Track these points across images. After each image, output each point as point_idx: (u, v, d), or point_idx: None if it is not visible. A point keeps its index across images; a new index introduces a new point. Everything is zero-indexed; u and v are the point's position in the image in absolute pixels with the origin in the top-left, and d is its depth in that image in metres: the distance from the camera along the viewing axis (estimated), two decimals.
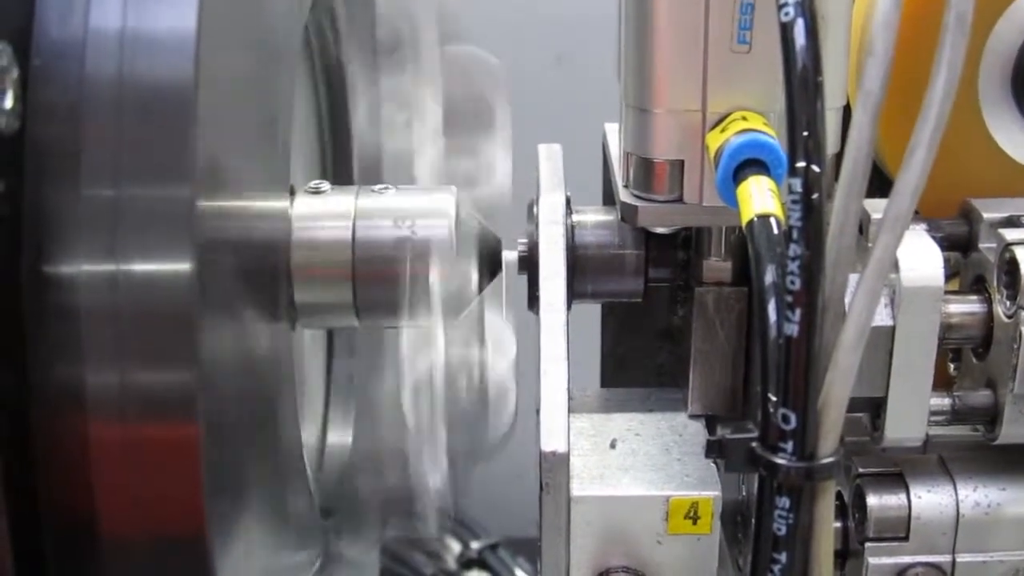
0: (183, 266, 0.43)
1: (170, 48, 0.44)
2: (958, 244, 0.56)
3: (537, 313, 0.55)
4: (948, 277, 0.52)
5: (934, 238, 0.53)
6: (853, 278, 0.46)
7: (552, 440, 0.50)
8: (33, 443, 0.44)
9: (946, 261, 0.52)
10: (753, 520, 0.47)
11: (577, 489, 0.52)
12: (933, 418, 0.54)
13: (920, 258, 0.52)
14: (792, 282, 0.43)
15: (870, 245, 0.46)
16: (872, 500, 0.56)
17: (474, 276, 0.61)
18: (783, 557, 0.45)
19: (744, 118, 0.49)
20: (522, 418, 0.86)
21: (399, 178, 0.77)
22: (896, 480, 0.56)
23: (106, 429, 0.44)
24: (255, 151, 0.53)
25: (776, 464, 0.44)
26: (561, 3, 1.26)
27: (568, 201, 0.58)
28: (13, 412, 0.43)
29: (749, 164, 0.47)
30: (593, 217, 0.59)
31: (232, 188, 0.49)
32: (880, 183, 0.49)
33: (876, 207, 0.51)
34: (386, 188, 0.61)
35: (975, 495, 0.56)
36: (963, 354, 0.56)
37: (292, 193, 0.59)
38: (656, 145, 0.52)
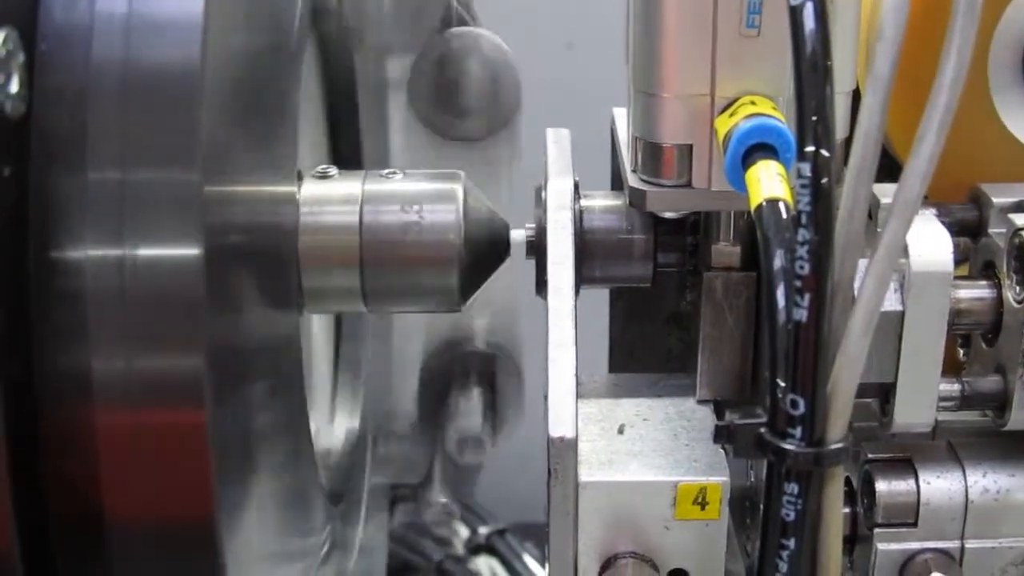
0: (190, 251, 0.43)
1: (176, 33, 0.44)
2: (968, 229, 0.55)
3: (545, 298, 0.55)
4: (957, 262, 0.52)
5: (943, 223, 0.53)
6: (862, 263, 0.46)
7: (560, 426, 0.50)
8: (39, 429, 0.44)
9: (955, 246, 0.52)
10: (761, 506, 0.47)
11: (585, 475, 0.52)
12: (942, 404, 0.54)
13: (929, 243, 0.52)
14: (801, 267, 0.43)
15: (879, 230, 0.46)
16: (881, 486, 0.55)
17: (482, 261, 0.61)
18: (791, 543, 0.45)
19: (753, 102, 0.49)
20: (530, 404, 0.86)
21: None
22: (905, 466, 0.56)
23: (113, 415, 0.44)
24: (262, 135, 0.53)
25: (785, 450, 0.44)
26: None
27: (576, 186, 0.58)
28: (20, 398, 0.43)
29: (758, 149, 0.47)
30: (601, 202, 0.59)
31: (239, 173, 0.49)
32: (890, 168, 0.49)
33: (885, 192, 0.51)
34: (394, 173, 0.61)
35: (984, 481, 0.55)
36: (972, 340, 0.56)
37: (299, 178, 0.59)
38: (665, 130, 0.52)
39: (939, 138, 0.44)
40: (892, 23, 0.44)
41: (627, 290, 0.65)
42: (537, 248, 0.58)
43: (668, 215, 0.57)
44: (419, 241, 0.59)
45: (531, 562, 1.20)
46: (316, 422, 0.73)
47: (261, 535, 0.52)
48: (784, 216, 0.44)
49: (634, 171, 0.54)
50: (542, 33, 1.22)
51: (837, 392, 0.45)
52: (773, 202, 0.45)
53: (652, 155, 0.52)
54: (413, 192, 0.60)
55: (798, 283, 0.43)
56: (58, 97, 0.44)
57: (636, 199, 0.54)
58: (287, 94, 0.57)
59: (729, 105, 0.50)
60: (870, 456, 0.56)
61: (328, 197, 0.59)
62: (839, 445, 0.45)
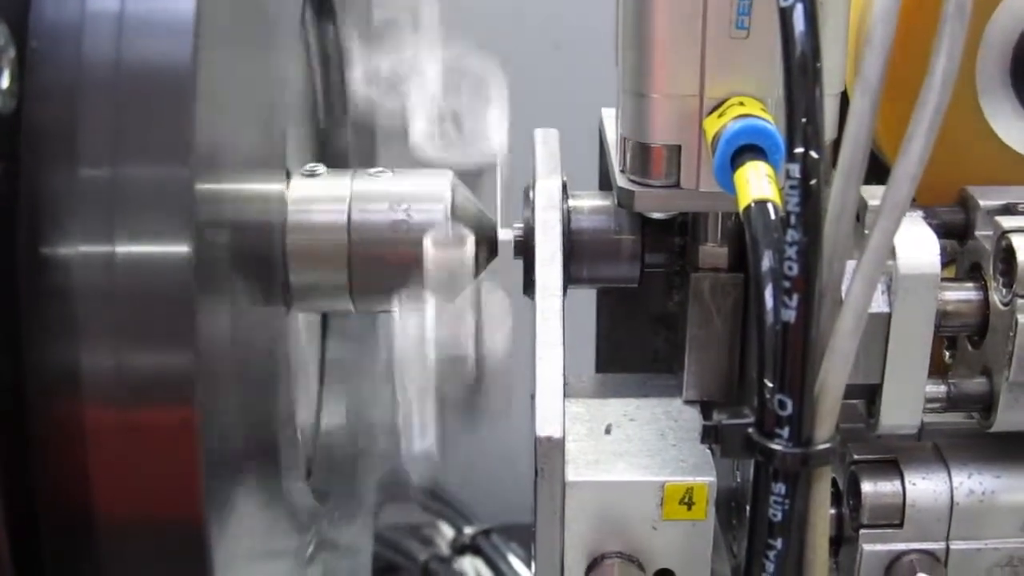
0: (181, 248, 0.43)
1: (168, 30, 0.44)
2: (955, 232, 0.55)
3: (533, 298, 0.55)
4: (944, 264, 0.52)
5: (931, 225, 0.53)
6: (850, 265, 0.46)
7: (547, 425, 0.50)
8: (28, 426, 0.44)
9: (943, 248, 0.52)
10: (748, 506, 0.47)
11: (572, 474, 0.52)
12: (928, 405, 0.54)
13: (917, 245, 0.52)
14: (790, 268, 0.43)
15: (867, 232, 0.46)
16: (867, 487, 0.56)
17: (470, 260, 0.61)
18: (778, 543, 0.45)
19: (742, 103, 0.49)
20: (517, 403, 0.86)
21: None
22: (891, 467, 0.56)
23: (102, 412, 0.43)
24: (252, 133, 0.53)
25: (772, 450, 0.44)
26: None
27: (564, 186, 0.58)
28: (8, 394, 0.43)
29: (747, 150, 0.47)
30: (589, 202, 0.59)
31: (229, 170, 0.49)
32: (878, 170, 0.49)
33: (874, 194, 0.51)
34: (382, 171, 0.61)
35: (969, 482, 0.56)
36: (959, 342, 0.56)
37: (288, 176, 0.59)
38: (653, 130, 0.52)
39: (927, 141, 0.44)
40: (881, 26, 0.44)
41: (614, 290, 0.66)
42: (525, 248, 0.58)
43: (656, 216, 0.58)
44: (407, 239, 0.59)
45: (516, 562, 1.20)
46: (303, 421, 0.73)
47: (248, 533, 0.52)
48: (772, 217, 0.44)
49: (622, 171, 0.54)
50: (529, 33, 1.22)
51: (825, 393, 0.45)
52: (762, 203, 0.45)
53: (641, 155, 0.53)
54: (401, 191, 0.60)
55: (786, 284, 0.43)
56: (49, 93, 0.44)
57: (624, 199, 0.54)
58: (277, 91, 0.57)
59: (718, 106, 0.50)
60: (856, 457, 0.56)
61: (316, 195, 0.59)
62: (826, 445, 0.45)
